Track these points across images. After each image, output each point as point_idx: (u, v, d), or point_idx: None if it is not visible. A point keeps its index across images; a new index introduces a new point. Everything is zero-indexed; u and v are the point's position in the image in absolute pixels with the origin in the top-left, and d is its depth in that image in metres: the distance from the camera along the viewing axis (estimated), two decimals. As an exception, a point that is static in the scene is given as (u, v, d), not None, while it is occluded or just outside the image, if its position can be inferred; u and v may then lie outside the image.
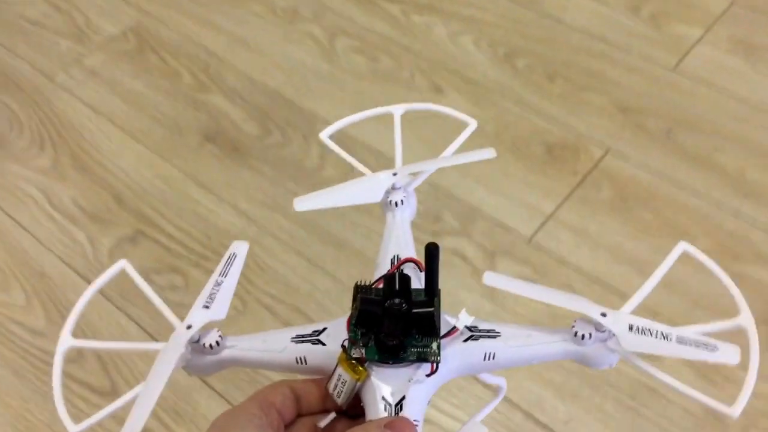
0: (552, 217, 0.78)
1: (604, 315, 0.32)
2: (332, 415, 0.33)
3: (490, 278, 0.33)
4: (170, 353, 0.32)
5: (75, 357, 0.69)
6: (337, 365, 0.31)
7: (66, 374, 0.69)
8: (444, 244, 0.77)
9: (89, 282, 0.75)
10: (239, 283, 0.72)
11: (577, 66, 0.92)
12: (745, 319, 0.32)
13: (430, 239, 0.75)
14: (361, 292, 0.31)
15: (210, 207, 0.81)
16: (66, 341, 0.34)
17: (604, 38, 0.95)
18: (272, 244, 0.77)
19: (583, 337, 0.32)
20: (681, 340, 0.31)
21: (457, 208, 0.80)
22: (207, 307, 0.34)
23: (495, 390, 0.42)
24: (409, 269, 0.35)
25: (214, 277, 0.35)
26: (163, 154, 0.86)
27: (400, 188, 0.39)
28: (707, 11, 0.96)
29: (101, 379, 0.68)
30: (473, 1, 1.00)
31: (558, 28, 0.96)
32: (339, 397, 0.31)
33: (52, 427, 0.66)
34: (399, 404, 0.30)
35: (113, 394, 0.67)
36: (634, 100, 0.88)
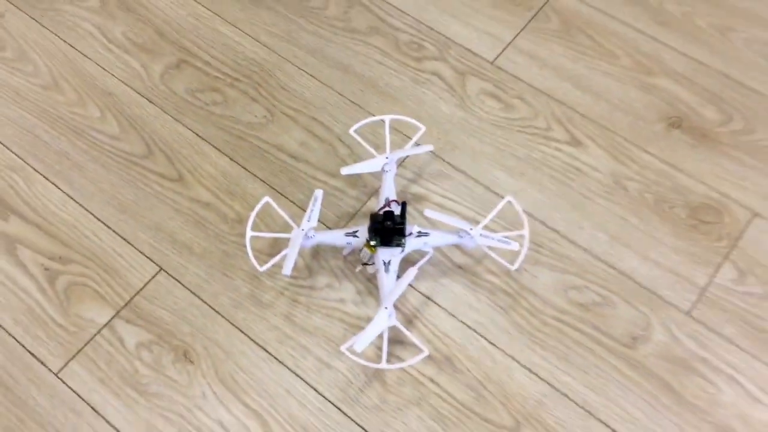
0: (511, 45, 0.99)
1: (471, 229, 0.79)
2: (360, 266, 0.82)
3: (430, 213, 0.79)
4: (297, 240, 0.79)
5: (146, 153, 0.91)
6: (363, 246, 0.79)
7: (143, 167, 0.91)
8: (426, 68, 0.98)
9: (149, 100, 0.95)
10: (265, 97, 0.94)
11: None
12: (525, 229, 0.81)
13: (417, 69, 0.96)
14: (374, 217, 0.78)
15: (236, 40, 1.00)
16: (249, 233, 0.81)
17: None
18: (290, 69, 0.98)
19: (462, 237, 0.79)
20: (500, 240, 0.79)
21: (435, 38, 1.00)
22: (309, 218, 0.80)
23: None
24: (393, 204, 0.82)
25: (309, 207, 0.81)
26: (193, -3, 1.03)
27: (389, 162, 0.84)
28: None
29: (170, 170, 0.90)
30: None
31: None
32: (363, 259, 0.81)
33: (138, 204, 0.89)
34: (389, 263, 0.78)
35: (180, 180, 0.90)
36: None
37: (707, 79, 0.96)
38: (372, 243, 0.78)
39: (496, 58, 0.98)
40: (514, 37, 0.99)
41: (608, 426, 0.76)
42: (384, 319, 0.75)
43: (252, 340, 0.81)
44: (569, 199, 0.88)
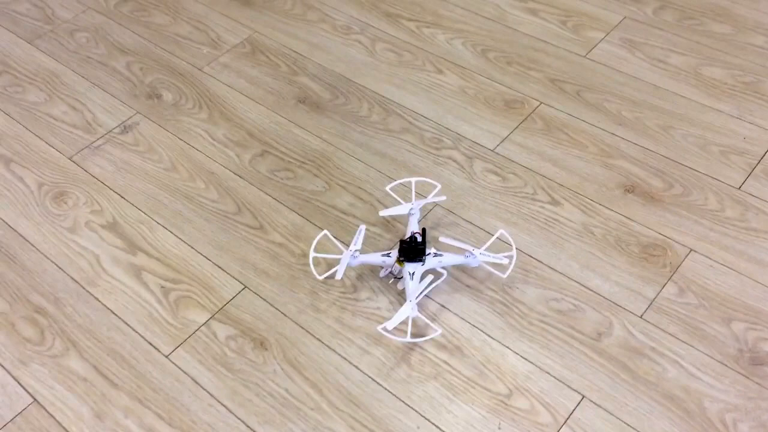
0: (507, 138, 1.33)
1: (475, 249, 1.07)
2: (392, 279, 1.11)
3: (444, 239, 1.12)
4: (346, 256, 1.09)
5: (236, 211, 1.24)
6: (395, 262, 1.08)
7: (234, 220, 1.23)
8: (443, 154, 1.32)
9: (240, 176, 1.31)
10: (324, 174, 1.30)
11: (526, 55, 1.48)
12: (514, 251, 1.13)
13: (437, 155, 1.32)
14: (402, 242, 1.08)
15: (304, 137, 1.37)
16: (312, 254, 1.14)
17: (543, 40, 1.51)
18: (342, 155, 1.32)
19: (467, 257, 1.06)
20: (495, 257, 1.08)
21: (450, 135, 1.35)
22: (356, 244, 1.09)
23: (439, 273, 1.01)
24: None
25: (355, 236, 1.11)
26: (274, 110, 1.42)
27: (414, 207, 1.15)
28: (608, 23, 1.52)
29: (254, 222, 1.23)
30: (460, 17, 1.57)
31: (515, 34, 1.53)
32: (394, 272, 1.12)
33: (230, 244, 1.20)
34: (413, 274, 1.07)
35: (261, 228, 1.22)
36: (559, 74, 1.44)
37: (654, 160, 1.28)
38: (401, 258, 1.08)
39: (495, 147, 1.32)
40: (510, 134, 1.34)
41: (580, 393, 1.00)
42: (408, 309, 1.02)
43: (311, 334, 1.08)
44: (550, 240, 1.17)
